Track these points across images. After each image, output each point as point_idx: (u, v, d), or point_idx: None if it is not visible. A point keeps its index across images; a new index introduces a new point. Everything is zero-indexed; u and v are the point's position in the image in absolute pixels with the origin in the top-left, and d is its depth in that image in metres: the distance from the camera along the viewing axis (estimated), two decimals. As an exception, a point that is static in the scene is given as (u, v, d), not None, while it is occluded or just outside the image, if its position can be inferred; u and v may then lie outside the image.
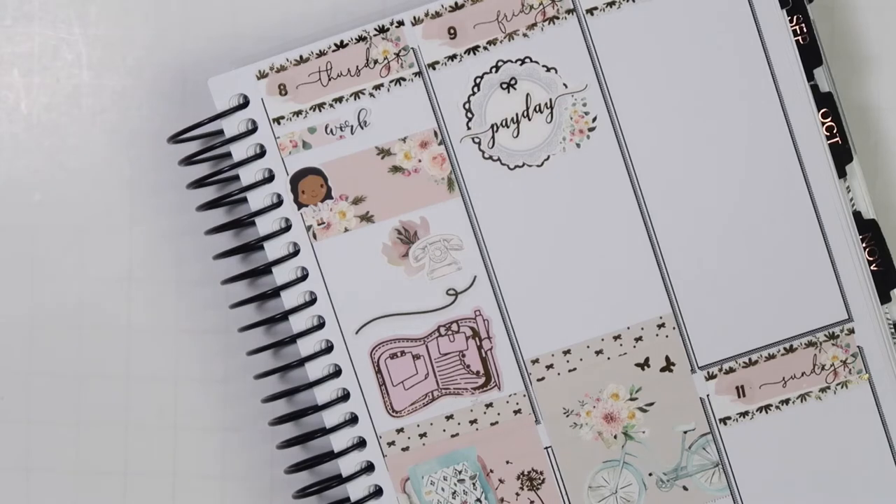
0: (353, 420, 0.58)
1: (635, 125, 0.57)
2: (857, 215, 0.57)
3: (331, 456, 0.58)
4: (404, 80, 0.57)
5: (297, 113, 0.57)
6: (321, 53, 0.57)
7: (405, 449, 0.58)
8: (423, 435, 0.58)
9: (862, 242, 0.57)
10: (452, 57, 0.57)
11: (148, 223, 0.61)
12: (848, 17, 0.60)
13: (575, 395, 0.57)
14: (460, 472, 0.58)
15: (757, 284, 0.57)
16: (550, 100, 0.57)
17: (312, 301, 0.58)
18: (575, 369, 0.57)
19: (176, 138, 0.58)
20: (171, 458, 0.61)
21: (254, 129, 0.57)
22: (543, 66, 0.57)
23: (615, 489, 0.58)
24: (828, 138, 0.57)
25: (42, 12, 0.61)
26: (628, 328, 0.57)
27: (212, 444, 0.61)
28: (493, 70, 0.57)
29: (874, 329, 0.57)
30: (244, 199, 0.58)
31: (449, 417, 0.58)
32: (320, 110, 0.57)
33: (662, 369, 0.57)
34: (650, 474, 0.58)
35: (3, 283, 0.61)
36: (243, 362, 0.60)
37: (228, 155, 0.58)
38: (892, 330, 0.57)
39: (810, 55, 0.56)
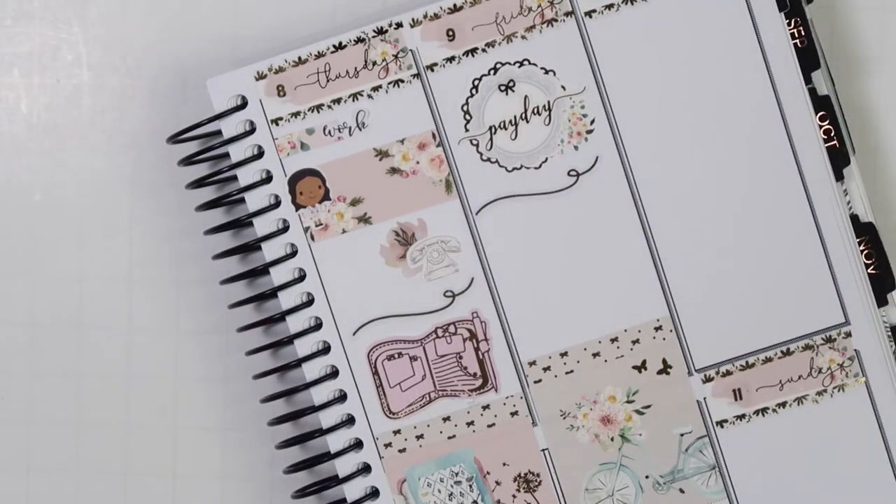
0: (350, 421, 0.58)
1: (633, 127, 0.56)
2: (854, 218, 0.57)
3: (328, 456, 0.58)
4: (403, 81, 0.57)
5: (296, 114, 0.57)
6: (319, 55, 0.57)
7: (402, 450, 0.58)
8: (419, 436, 0.58)
9: (859, 245, 0.57)
10: (451, 59, 0.57)
11: (148, 223, 0.61)
12: (848, 17, 0.60)
13: (572, 397, 0.57)
14: (457, 474, 0.58)
15: (754, 287, 0.57)
16: (549, 102, 0.57)
17: (310, 302, 0.58)
18: (572, 371, 0.57)
19: (175, 138, 0.58)
20: (171, 458, 0.61)
21: (252, 130, 0.57)
22: (542, 68, 0.57)
23: (612, 492, 0.58)
24: (825, 141, 0.57)
25: (42, 12, 0.61)
26: (625, 330, 0.57)
27: (212, 444, 0.61)
28: (492, 72, 0.57)
29: (871, 332, 0.57)
30: (243, 200, 0.58)
31: (446, 419, 0.58)
32: (318, 111, 0.57)
33: (659, 372, 0.57)
34: (647, 477, 0.58)
35: (4, 284, 0.61)
36: (243, 362, 0.60)
37: (227, 155, 0.58)
38: (889, 333, 0.57)
39: (808, 58, 0.56)
